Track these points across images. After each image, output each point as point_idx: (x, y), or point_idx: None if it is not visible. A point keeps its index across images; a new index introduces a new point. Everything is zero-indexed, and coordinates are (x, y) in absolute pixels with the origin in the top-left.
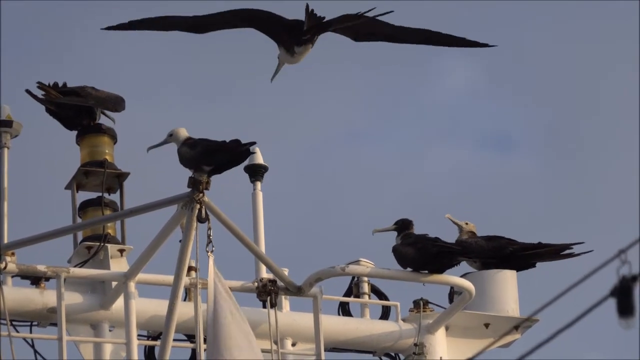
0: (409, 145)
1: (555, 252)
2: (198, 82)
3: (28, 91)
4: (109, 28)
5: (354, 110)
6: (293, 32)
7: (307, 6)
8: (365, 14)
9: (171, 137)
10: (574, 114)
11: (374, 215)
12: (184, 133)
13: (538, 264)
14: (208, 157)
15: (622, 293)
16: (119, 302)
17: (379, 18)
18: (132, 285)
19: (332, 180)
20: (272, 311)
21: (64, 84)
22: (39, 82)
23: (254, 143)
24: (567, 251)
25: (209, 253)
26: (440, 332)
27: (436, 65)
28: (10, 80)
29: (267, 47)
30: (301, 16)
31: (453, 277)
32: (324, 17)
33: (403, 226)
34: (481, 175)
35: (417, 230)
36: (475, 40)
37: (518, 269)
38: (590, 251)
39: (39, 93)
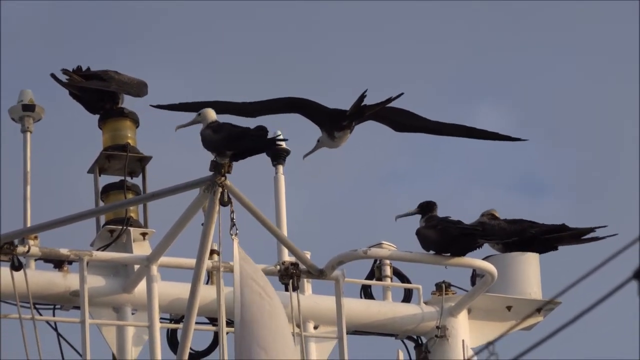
0: (442, 187)
1: (578, 235)
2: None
3: (53, 75)
4: (158, 106)
5: (390, 151)
6: (333, 119)
7: (365, 92)
8: (394, 99)
9: (199, 116)
10: (603, 158)
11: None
12: (211, 115)
13: (560, 247)
14: (231, 142)
15: None
16: (142, 286)
17: (418, 113)
18: (154, 269)
19: (363, 216)
20: (294, 294)
21: (88, 68)
22: (63, 69)
23: (278, 138)
24: (591, 235)
25: (233, 236)
26: (463, 315)
27: (469, 110)
28: (33, 64)
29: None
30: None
31: (475, 260)
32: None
33: (426, 208)
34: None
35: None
36: (508, 135)
37: (540, 251)
38: (615, 234)
39: (63, 78)
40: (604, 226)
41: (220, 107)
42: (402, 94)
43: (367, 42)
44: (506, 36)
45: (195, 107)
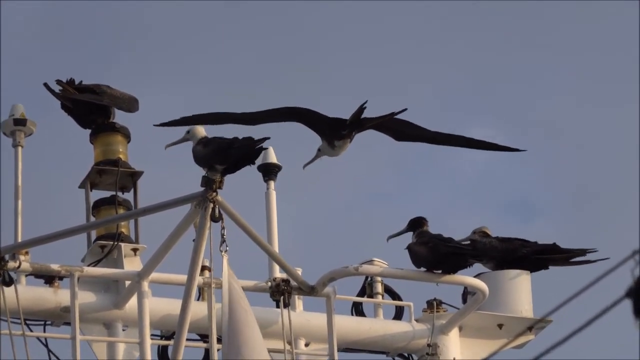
0: (433, 209)
1: (569, 257)
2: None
3: (46, 85)
4: (161, 125)
5: (381, 171)
6: (333, 127)
7: (365, 103)
8: (396, 114)
9: (188, 134)
10: (596, 180)
11: (389, 222)
12: (200, 132)
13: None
14: (220, 154)
15: (637, 294)
16: (133, 302)
17: (416, 123)
18: (145, 285)
19: (354, 233)
20: (285, 311)
21: (80, 82)
22: (58, 80)
23: (268, 138)
24: (582, 258)
25: (223, 253)
26: (454, 333)
27: (463, 130)
28: (25, 79)
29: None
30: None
31: (467, 278)
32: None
33: (417, 224)
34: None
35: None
36: (506, 146)
37: (531, 270)
38: (607, 258)
39: (57, 89)
40: (595, 250)
41: (221, 117)
42: (405, 109)
43: (364, 50)
44: (502, 56)
45: (196, 120)
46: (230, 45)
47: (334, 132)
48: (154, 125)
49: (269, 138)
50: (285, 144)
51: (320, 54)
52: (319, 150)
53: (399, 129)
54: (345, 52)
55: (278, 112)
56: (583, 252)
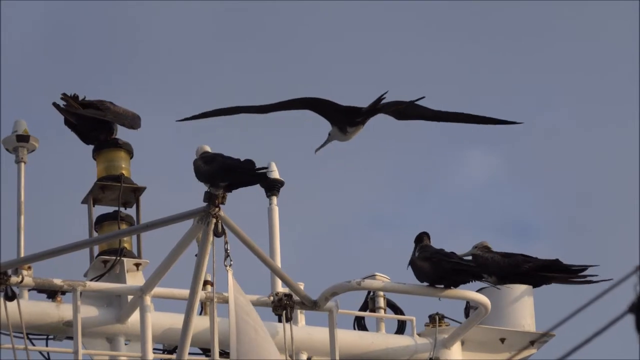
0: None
1: (571, 274)
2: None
3: (55, 104)
4: (184, 119)
5: (380, 193)
6: (347, 114)
7: (384, 94)
8: (413, 102)
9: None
10: (592, 200)
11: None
12: (203, 147)
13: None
14: (224, 174)
15: (639, 309)
16: (135, 316)
17: (419, 103)
18: (148, 299)
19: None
20: (287, 325)
21: (84, 97)
22: (63, 94)
23: (266, 168)
24: (583, 278)
25: (228, 267)
26: (456, 347)
27: (457, 155)
28: (28, 95)
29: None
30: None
31: (469, 292)
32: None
33: (418, 239)
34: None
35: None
36: (503, 119)
37: (534, 284)
38: (609, 279)
39: (62, 104)
40: (597, 265)
41: (237, 109)
42: (423, 97)
43: (362, 77)
44: (499, 80)
45: (217, 113)
46: (231, 57)
47: (347, 119)
48: (176, 120)
49: (267, 168)
50: (287, 159)
51: (315, 66)
52: (329, 135)
53: (400, 108)
54: (341, 64)
55: (292, 102)
56: (585, 268)
